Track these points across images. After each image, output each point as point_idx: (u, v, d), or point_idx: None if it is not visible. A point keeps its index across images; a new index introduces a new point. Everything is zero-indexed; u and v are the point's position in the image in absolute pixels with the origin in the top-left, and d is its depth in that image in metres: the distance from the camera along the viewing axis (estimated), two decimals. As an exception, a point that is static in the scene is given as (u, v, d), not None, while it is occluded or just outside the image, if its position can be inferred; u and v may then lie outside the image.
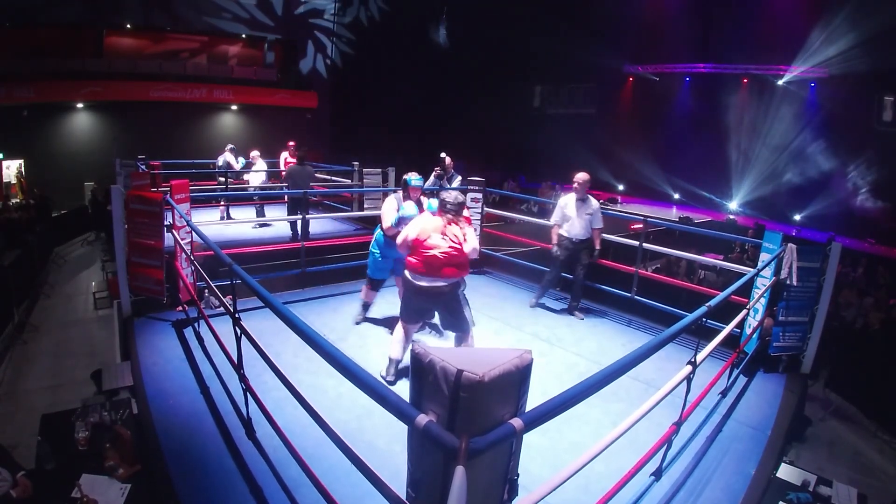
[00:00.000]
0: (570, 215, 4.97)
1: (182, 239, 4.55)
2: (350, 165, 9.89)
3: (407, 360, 3.55)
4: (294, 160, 8.98)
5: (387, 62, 20.56)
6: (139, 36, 16.03)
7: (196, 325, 4.38)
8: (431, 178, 6.85)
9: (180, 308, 4.61)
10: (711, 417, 3.37)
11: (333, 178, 10.54)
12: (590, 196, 4.99)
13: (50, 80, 13.61)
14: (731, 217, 15.92)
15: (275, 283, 5.34)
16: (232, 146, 9.77)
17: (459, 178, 6.86)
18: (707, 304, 2.59)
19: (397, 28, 20.87)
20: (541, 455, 2.82)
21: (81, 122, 14.77)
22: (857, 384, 5.79)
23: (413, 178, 4.31)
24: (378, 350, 4.19)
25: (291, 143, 9.77)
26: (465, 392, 1.35)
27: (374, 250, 4.53)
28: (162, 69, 15.72)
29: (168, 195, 4.69)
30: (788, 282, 3.96)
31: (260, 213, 8.74)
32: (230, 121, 17.35)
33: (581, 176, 4.91)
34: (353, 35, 20.97)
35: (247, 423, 2.99)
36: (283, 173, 8.77)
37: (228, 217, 8.96)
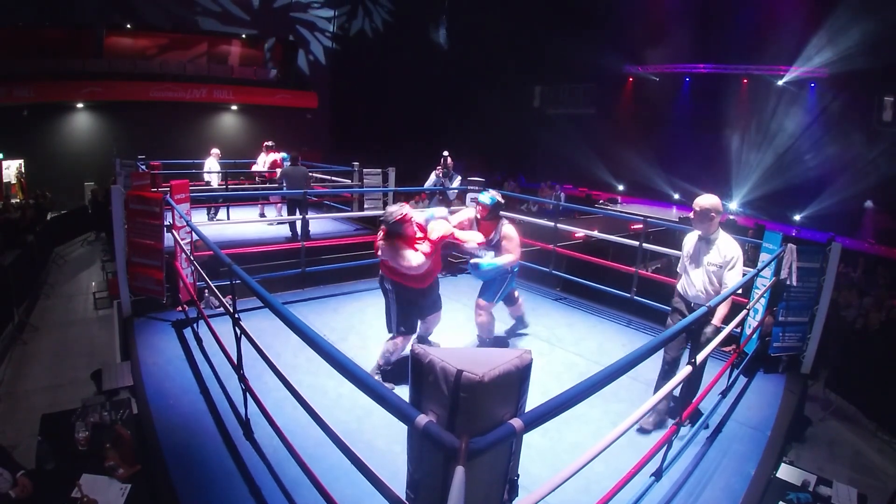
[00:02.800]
0: (686, 264, 3.32)
1: (182, 239, 4.55)
2: (350, 166, 9.90)
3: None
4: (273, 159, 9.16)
5: (387, 63, 20.58)
6: (136, 35, 16.00)
7: (196, 325, 4.37)
8: (432, 177, 6.85)
9: (180, 308, 4.61)
10: (711, 417, 3.37)
11: (333, 178, 10.56)
12: (723, 233, 3.19)
13: (50, 80, 13.63)
14: (731, 217, 15.91)
15: (275, 283, 5.34)
16: (269, 143, 10.15)
17: (459, 177, 6.87)
18: (707, 304, 2.59)
19: (398, 30, 20.92)
20: (541, 455, 2.82)
21: (81, 122, 14.78)
22: (857, 384, 5.80)
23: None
24: (378, 350, 4.19)
25: (269, 143, 9.79)
26: (465, 392, 1.35)
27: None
28: (162, 69, 15.72)
29: (168, 195, 4.70)
30: (788, 282, 3.96)
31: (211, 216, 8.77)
32: (230, 121, 17.36)
33: (703, 201, 3.13)
34: (345, 33, 20.91)
35: (246, 424, 2.99)
36: (277, 174, 8.86)
37: (262, 215, 9.10)
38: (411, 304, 3.67)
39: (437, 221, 3.69)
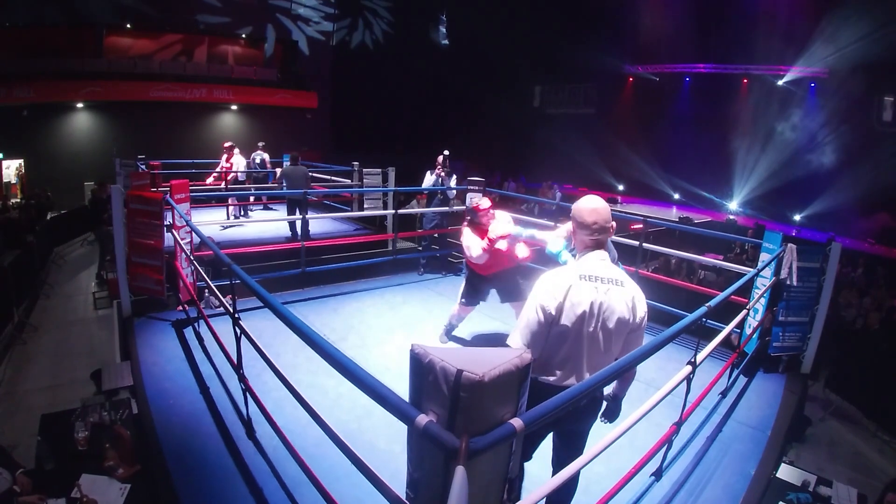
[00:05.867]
0: None
1: (182, 239, 4.55)
2: (350, 165, 9.90)
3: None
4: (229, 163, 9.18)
5: (387, 65, 20.58)
6: (136, 35, 15.96)
7: (196, 325, 4.37)
8: (431, 176, 6.83)
9: (180, 308, 4.61)
10: (711, 417, 3.37)
11: (332, 178, 10.57)
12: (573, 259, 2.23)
13: (50, 80, 13.61)
14: (731, 217, 15.92)
15: (275, 283, 5.34)
16: (262, 143, 10.31)
17: (455, 177, 6.87)
18: (707, 304, 2.59)
19: (398, 36, 20.90)
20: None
21: (81, 122, 14.77)
22: (857, 384, 5.79)
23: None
24: (378, 350, 4.19)
25: (229, 143, 9.70)
26: (465, 392, 1.35)
27: None
28: (162, 69, 15.71)
29: (168, 195, 4.70)
30: (788, 282, 3.96)
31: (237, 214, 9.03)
32: (230, 121, 17.34)
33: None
34: (345, 45, 20.78)
35: (247, 423, 2.99)
36: (277, 174, 8.92)
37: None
38: (475, 285, 4.16)
39: (499, 222, 3.95)
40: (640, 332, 2.03)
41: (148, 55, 16.04)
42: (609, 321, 1.93)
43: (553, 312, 1.89)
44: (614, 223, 2.05)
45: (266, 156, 10.33)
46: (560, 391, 1.57)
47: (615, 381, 2.04)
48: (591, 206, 2.01)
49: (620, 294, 1.95)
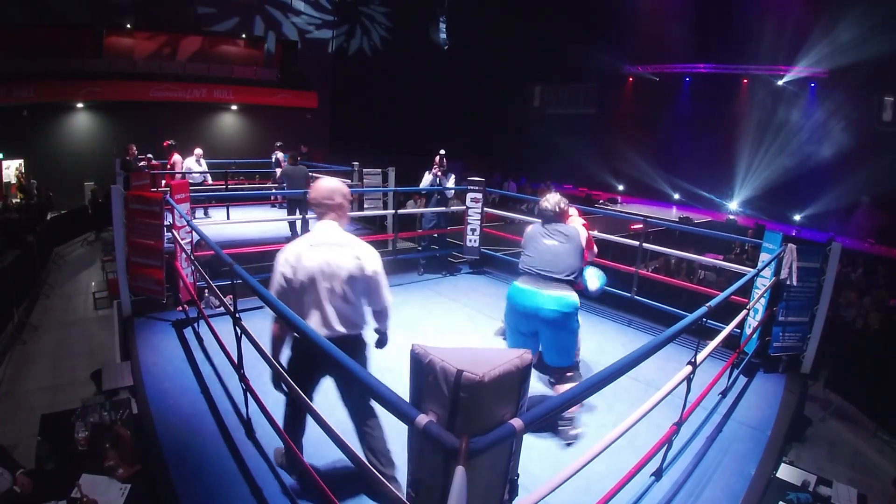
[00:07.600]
0: None
1: (182, 239, 4.54)
2: (350, 165, 9.91)
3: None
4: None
5: (387, 66, 20.57)
6: (136, 35, 15.96)
7: (196, 325, 4.37)
8: (429, 176, 6.82)
9: (180, 308, 4.61)
10: (711, 417, 3.37)
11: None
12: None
13: (50, 80, 13.61)
14: (731, 217, 15.93)
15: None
16: (280, 143, 10.41)
17: (454, 176, 6.86)
18: (707, 304, 2.59)
19: (397, 38, 20.87)
20: (541, 455, 2.82)
21: (81, 122, 14.77)
22: (857, 384, 5.79)
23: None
24: (378, 350, 4.18)
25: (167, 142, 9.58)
26: (465, 392, 1.35)
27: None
28: (162, 69, 15.71)
29: (168, 195, 4.69)
30: (788, 282, 3.96)
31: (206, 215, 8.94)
32: (230, 121, 17.35)
33: None
34: (343, 52, 20.65)
35: (247, 423, 2.99)
36: (278, 174, 8.93)
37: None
38: None
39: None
40: (375, 280, 2.41)
41: (147, 54, 16.03)
42: (338, 275, 2.34)
43: (290, 275, 2.34)
44: (344, 202, 2.46)
45: (279, 154, 10.37)
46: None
47: (376, 318, 2.60)
48: (316, 184, 2.49)
49: (344, 253, 2.36)
